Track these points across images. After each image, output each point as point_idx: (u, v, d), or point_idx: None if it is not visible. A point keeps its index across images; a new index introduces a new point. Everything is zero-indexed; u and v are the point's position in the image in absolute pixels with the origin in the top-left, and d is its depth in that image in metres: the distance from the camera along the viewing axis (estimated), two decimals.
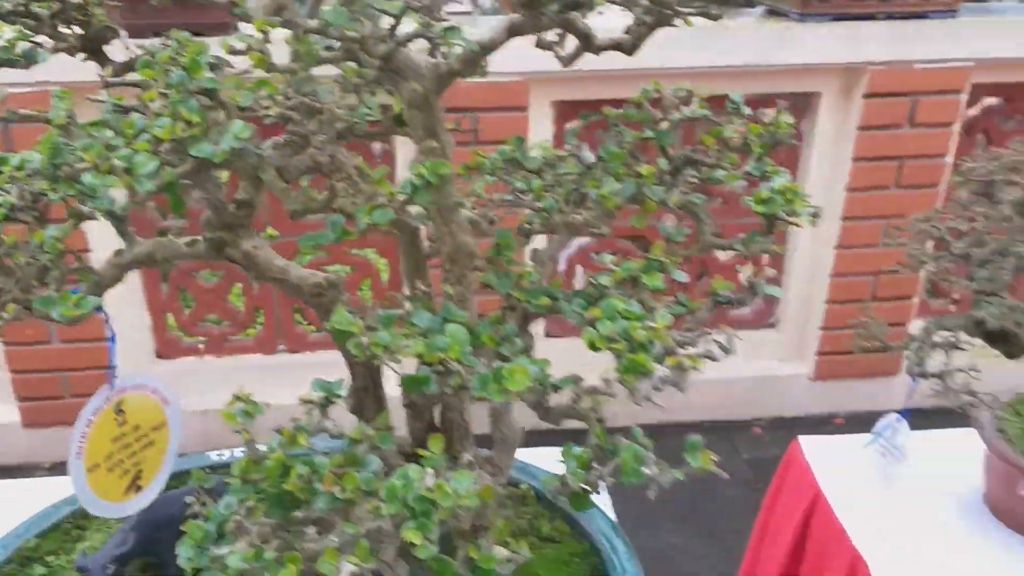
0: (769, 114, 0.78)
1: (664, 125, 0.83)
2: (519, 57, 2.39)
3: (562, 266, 2.78)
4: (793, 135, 0.77)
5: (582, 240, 2.78)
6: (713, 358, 0.65)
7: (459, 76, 0.75)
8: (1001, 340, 1.09)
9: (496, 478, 0.79)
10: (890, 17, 2.36)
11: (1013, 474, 1.15)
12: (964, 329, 1.06)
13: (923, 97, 2.46)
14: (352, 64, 0.69)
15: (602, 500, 1.22)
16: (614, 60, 2.47)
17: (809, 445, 1.36)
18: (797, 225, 0.69)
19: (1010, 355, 1.11)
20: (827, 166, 2.60)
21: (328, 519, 0.55)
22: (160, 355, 2.67)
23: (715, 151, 0.75)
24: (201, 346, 2.70)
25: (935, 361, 1.02)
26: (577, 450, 0.60)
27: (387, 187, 0.63)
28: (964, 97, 2.52)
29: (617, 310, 0.58)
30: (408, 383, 0.58)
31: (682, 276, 0.69)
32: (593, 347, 0.59)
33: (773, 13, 2.50)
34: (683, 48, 2.37)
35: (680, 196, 0.71)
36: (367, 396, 0.90)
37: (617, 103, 2.79)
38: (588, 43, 0.74)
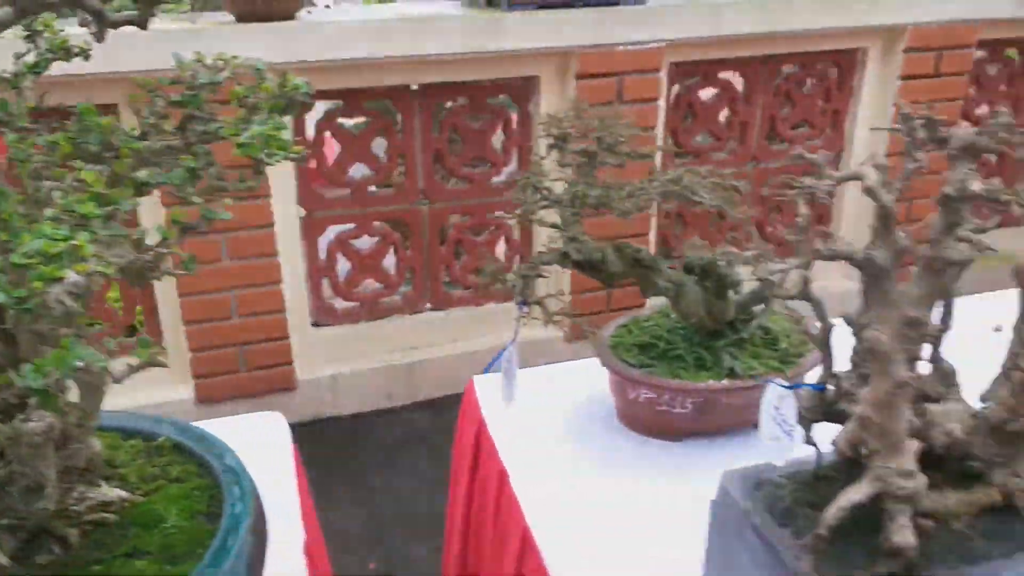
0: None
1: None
2: (244, 49, 2.47)
3: (323, 255, 2.87)
4: (307, 94, 0.90)
5: (340, 228, 2.89)
6: (172, 273, 0.76)
7: None
8: (593, 270, 1.30)
9: (85, 421, 0.88)
10: (587, 4, 2.62)
11: (623, 382, 1.36)
12: (558, 262, 1.26)
13: (627, 76, 2.74)
14: None
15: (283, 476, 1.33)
16: (345, 49, 2.59)
17: (480, 381, 1.54)
18: (270, 164, 0.82)
19: (605, 283, 1.32)
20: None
21: None
22: None
23: (209, 110, 0.85)
24: None
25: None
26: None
27: None
28: (663, 75, 2.82)
29: (43, 233, 0.68)
30: None
31: (127, 205, 0.80)
32: (15, 267, 0.66)
33: (490, 3, 2.71)
34: (396, 40, 2.53)
35: (159, 144, 0.82)
36: None
37: (356, 92, 2.91)
38: (102, 19, 0.83)
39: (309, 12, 2.60)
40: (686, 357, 1.35)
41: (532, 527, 1.21)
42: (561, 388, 1.53)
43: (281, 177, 2.63)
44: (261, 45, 2.44)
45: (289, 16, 2.50)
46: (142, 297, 2.74)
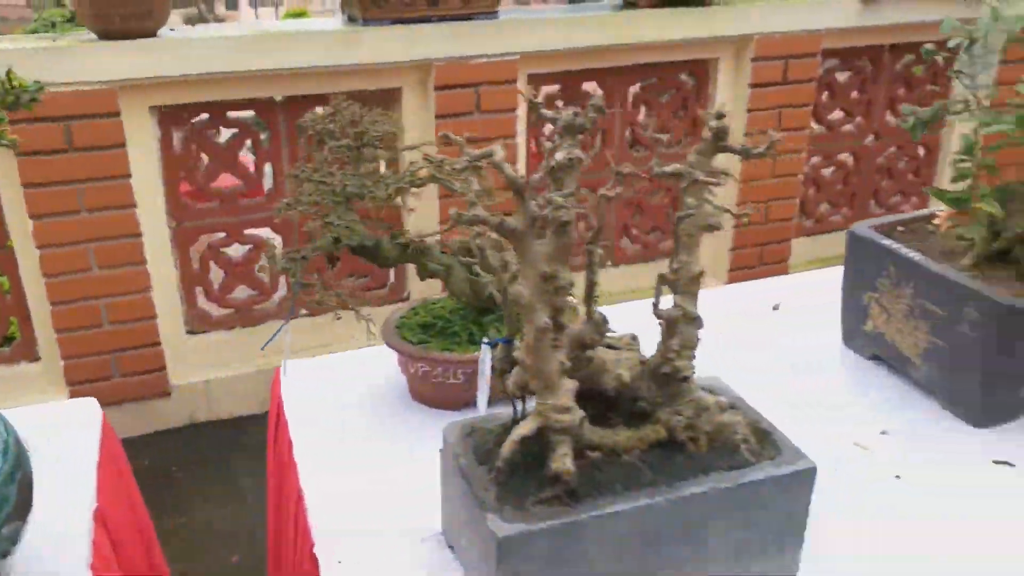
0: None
1: None
2: (106, 66, 2.56)
3: (196, 264, 2.96)
4: (40, 91, 1.01)
5: (212, 237, 2.97)
6: None
7: None
8: (369, 256, 1.43)
9: None
10: (442, 19, 2.76)
11: (404, 359, 1.48)
12: (330, 247, 1.38)
13: (483, 87, 2.89)
14: None
15: None
16: (207, 64, 2.70)
17: (286, 365, 1.66)
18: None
19: (380, 265, 1.44)
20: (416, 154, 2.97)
21: None
22: None
23: None
24: None
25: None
26: None
27: None
28: (521, 86, 2.98)
29: None
30: None
31: None
32: None
33: (350, 20, 2.84)
34: (256, 54, 2.65)
35: None
36: None
37: (222, 105, 3.00)
38: None
39: (172, 30, 2.70)
40: (460, 333, 1.48)
41: (304, 487, 1.32)
42: (366, 370, 1.65)
43: (148, 189, 2.72)
44: (124, 62, 2.54)
45: (151, 33, 2.59)
46: (16, 307, 2.79)
